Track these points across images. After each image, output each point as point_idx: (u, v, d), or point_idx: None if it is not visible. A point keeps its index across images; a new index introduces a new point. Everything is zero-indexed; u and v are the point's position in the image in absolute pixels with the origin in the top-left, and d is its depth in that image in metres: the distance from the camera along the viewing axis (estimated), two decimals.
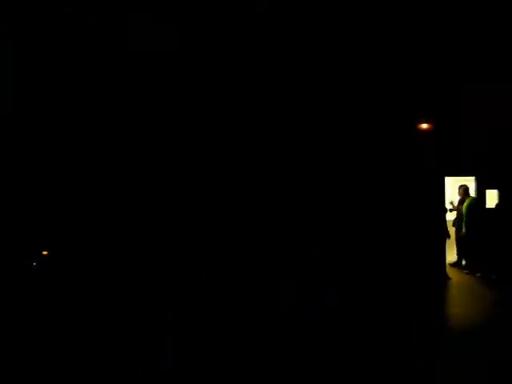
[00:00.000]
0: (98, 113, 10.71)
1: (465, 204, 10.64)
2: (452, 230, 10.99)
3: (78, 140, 10.67)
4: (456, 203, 11.21)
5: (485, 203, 10.89)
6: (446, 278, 10.08)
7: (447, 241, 10.53)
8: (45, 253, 11.39)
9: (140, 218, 10.81)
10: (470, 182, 11.31)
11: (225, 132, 10.96)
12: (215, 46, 10.55)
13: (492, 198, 10.97)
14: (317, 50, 10.93)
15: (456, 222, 11.05)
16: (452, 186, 12.03)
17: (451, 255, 11.17)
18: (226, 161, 10.95)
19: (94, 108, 10.67)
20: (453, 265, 11.00)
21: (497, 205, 10.67)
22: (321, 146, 11.29)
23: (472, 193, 11.04)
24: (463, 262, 10.88)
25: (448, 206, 11.00)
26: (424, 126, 10.91)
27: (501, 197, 10.83)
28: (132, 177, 10.87)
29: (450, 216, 11.08)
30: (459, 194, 10.95)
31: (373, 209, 11.14)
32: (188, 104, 10.87)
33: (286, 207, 11.08)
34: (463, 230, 10.51)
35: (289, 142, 11.06)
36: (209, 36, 10.50)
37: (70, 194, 10.84)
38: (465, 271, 10.61)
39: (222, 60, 10.66)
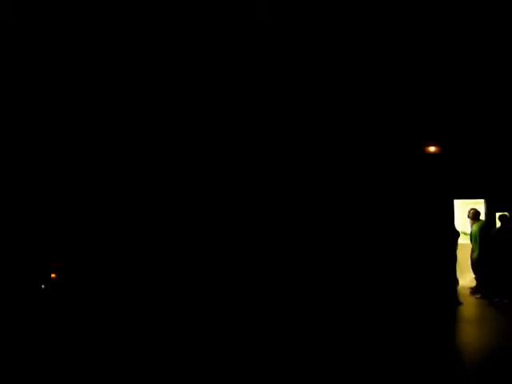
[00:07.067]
0: None
1: (475, 228, 10.47)
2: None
3: None
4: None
5: (495, 226, 10.71)
6: (457, 302, 9.87)
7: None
8: (53, 275, 11.45)
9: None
10: (480, 204, 11.16)
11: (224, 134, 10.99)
12: (216, 48, 10.62)
13: None
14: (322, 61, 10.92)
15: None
16: (461, 210, 11.84)
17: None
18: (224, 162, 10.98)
19: None
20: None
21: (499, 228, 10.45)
22: (326, 167, 11.26)
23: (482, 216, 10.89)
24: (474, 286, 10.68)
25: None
26: (432, 148, 10.85)
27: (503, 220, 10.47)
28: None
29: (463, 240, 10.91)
30: (469, 217, 10.76)
31: (381, 233, 11.03)
32: (187, 106, 10.94)
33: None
34: (475, 253, 10.34)
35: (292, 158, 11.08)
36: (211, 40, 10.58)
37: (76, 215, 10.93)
38: (477, 296, 10.39)
39: (221, 62, 10.73)
